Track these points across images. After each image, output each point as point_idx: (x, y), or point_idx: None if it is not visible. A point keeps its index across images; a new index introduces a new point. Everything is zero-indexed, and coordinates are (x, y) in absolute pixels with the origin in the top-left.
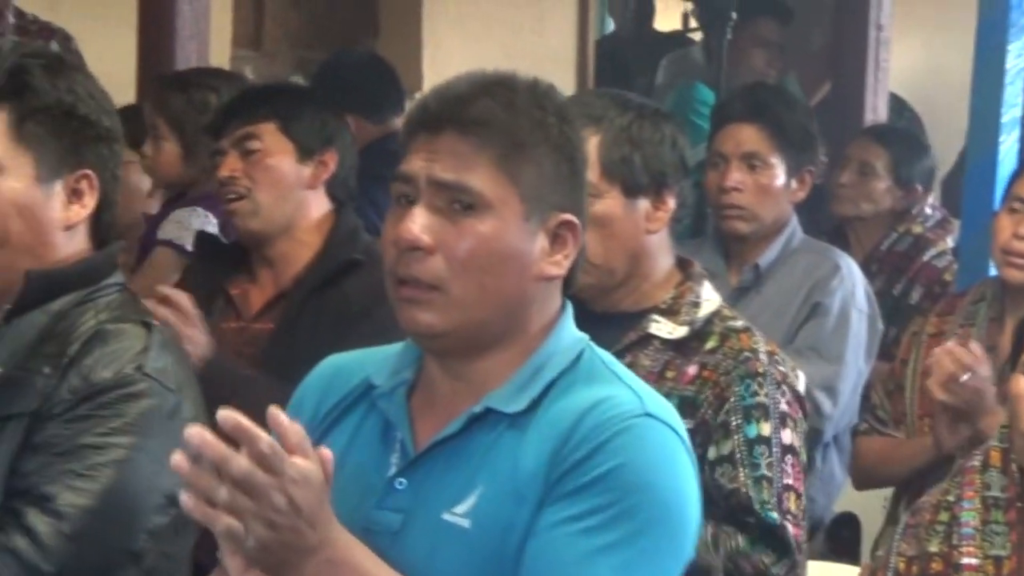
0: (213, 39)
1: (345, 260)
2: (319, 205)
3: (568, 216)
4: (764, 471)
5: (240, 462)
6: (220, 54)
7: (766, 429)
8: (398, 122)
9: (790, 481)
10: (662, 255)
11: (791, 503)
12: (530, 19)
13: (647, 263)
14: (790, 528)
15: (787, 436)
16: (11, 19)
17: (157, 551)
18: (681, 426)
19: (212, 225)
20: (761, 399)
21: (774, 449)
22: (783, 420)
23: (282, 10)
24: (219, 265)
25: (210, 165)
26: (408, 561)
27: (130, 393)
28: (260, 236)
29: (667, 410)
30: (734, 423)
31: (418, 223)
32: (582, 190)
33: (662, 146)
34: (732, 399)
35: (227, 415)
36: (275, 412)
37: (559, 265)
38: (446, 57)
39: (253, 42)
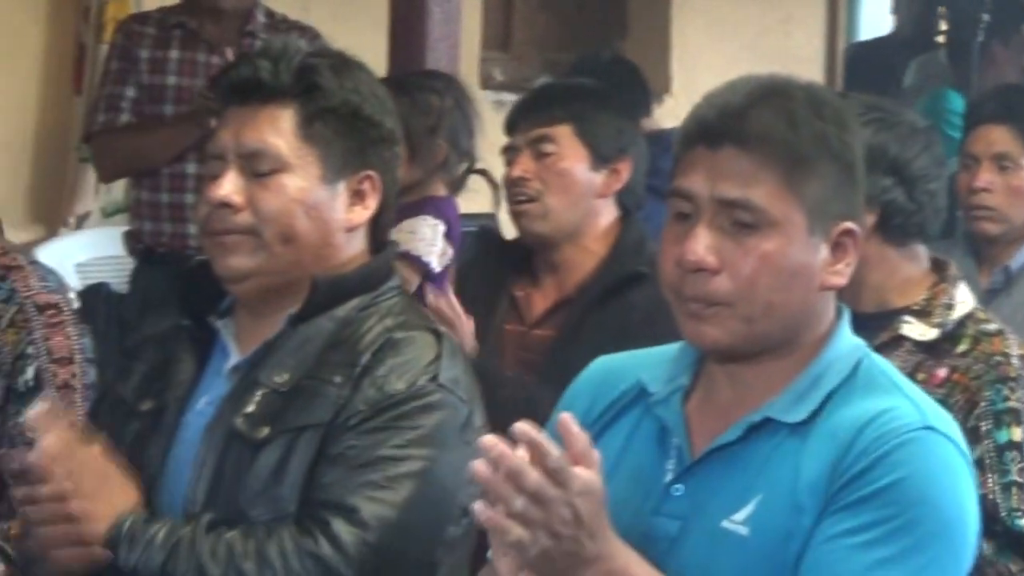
0: (463, 41)
1: (630, 272)
2: (608, 213)
3: (849, 224)
4: (1014, 476)
5: (534, 475)
6: (469, 56)
7: (1017, 434)
8: (645, 124)
9: None
10: (886, 262)
11: None
12: (777, 20)
13: (872, 273)
14: None
15: None
16: (261, 18)
17: (449, 562)
18: (961, 438)
19: (441, 232)
20: (1013, 404)
21: None
22: None
23: (531, 12)
24: (501, 263)
25: (433, 164)
26: (686, 568)
27: (425, 404)
28: (546, 240)
29: (947, 422)
30: (984, 428)
31: (702, 243)
32: (859, 195)
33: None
34: (983, 404)
35: (522, 428)
36: (566, 418)
37: (841, 274)
38: (694, 58)
39: (502, 44)
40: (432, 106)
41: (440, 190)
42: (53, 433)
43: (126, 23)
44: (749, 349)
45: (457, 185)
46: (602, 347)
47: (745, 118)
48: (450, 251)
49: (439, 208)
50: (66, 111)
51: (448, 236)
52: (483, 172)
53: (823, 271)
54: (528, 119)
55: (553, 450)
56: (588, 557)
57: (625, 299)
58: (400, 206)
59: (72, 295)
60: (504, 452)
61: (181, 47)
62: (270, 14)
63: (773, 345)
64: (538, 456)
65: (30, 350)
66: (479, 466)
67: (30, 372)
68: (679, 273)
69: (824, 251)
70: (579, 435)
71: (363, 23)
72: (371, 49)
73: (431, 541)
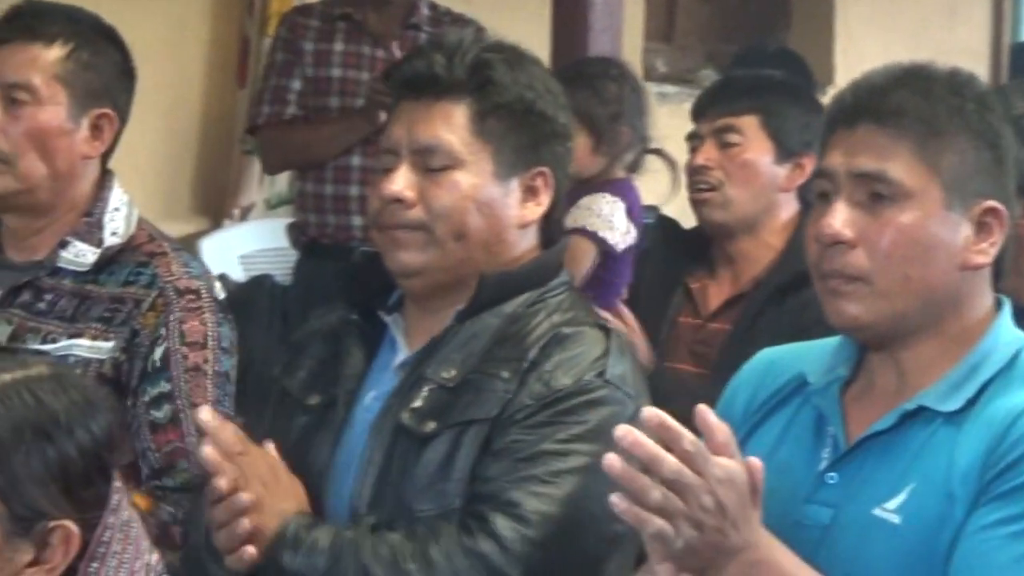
0: (625, 32)
1: (805, 268)
2: (788, 207)
3: (992, 203)
4: None
5: (671, 462)
6: (632, 47)
7: None
8: None
9: None
10: None
11: None
12: (941, 13)
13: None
14: None
15: None
16: (425, 11)
17: (617, 559)
18: None
19: (620, 210)
20: None
21: None
22: None
23: (694, 3)
24: (678, 253)
25: (618, 150)
26: (837, 555)
27: (592, 400)
28: (725, 230)
29: None
30: None
31: (839, 218)
32: (1007, 177)
33: None
34: None
35: (651, 413)
36: (703, 410)
37: (985, 254)
38: (858, 49)
39: (664, 35)
40: (612, 93)
41: (619, 173)
42: (221, 433)
43: (290, 16)
44: (891, 328)
45: (635, 166)
46: (777, 344)
47: (882, 95)
48: (633, 231)
49: (618, 188)
50: (230, 104)
51: (630, 216)
52: (660, 152)
53: (965, 249)
54: (715, 108)
55: (687, 433)
56: (733, 548)
57: (801, 297)
58: (587, 188)
59: (217, 284)
60: (637, 440)
61: (345, 40)
62: (433, 7)
63: (916, 325)
64: (671, 441)
65: (162, 331)
66: (611, 459)
67: (158, 352)
68: (819, 249)
69: (966, 229)
70: (718, 426)
71: (525, 15)
72: (533, 41)
73: (596, 537)
